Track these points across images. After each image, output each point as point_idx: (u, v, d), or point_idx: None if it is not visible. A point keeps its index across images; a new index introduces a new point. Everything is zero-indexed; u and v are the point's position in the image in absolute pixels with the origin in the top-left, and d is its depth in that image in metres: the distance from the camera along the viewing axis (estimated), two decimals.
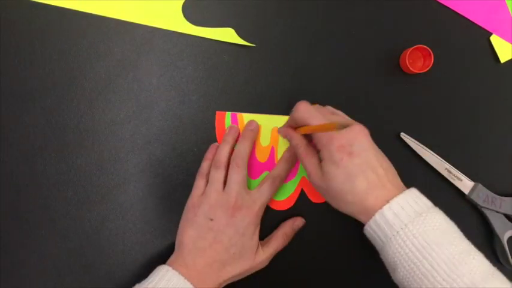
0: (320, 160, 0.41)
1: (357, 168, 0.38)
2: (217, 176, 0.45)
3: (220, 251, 0.42)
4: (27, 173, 0.47)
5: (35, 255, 0.47)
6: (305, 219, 0.49)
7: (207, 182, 0.46)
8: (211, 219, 0.43)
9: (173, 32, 0.49)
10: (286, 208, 0.49)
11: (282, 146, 0.49)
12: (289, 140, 0.45)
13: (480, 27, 0.51)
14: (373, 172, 0.39)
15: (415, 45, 0.48)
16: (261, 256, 0.44)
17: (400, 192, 0.38)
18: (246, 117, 0.49)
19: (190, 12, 0.49)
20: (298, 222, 0.48)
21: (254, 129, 0.48)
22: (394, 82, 0.50)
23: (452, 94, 0.51)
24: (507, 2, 0.52)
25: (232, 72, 0.49)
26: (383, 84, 0.50)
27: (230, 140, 0.47)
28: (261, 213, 0.45)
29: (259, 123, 0.49)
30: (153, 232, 0.48)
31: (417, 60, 0.50)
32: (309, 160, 0.42)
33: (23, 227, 0.47)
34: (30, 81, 0.48)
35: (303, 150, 0.43)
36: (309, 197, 0.49)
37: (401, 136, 0.49)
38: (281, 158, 0.48)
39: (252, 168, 0.48)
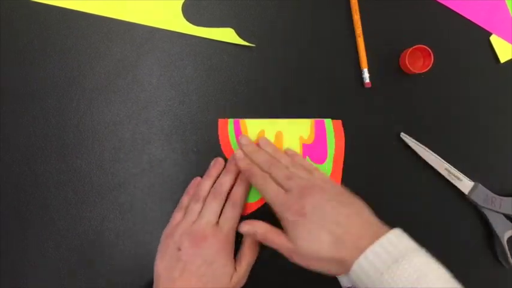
0: (284, 231, 0.41)
1: (315, 225, 0.38)
2: (196, 208, 0.45)
3: (192, 280, 0.41)
4: (27, 173, 0.47)
5: (35, 255, 0.47)
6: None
7: (184, 214, 0.46)
8: (180, 249, 0.42)
9: (173, 32, 0.49)
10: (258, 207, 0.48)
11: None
12: (254, 232, 0.43)
13: (480, 27, 0.51)
14: (335, 224, 0.38)
15: (415, 45, 0.48)
16: (236, 277, 0.43)
17: (376, 235, 0.36)
18: (248, 123, 0.49)
19: (190, 12, 0.49)
20: (247, 226, 0.44)
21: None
22: (394, 82, 0.50)
23: (452, 94, 0.51)
24: (507, 2, 0.52)
25: (232, 72, 0.49)
26: (383, 84, 0.50)
27: (214, 174, 0.47)
28: (230, 239, 0.44)
29: (262, 127, 0.49)
30: (153, 232, 0.48)
31: (417, 60, 0.50)
32: (276, 237, 0.41)
33: (23, 227, 0.47)
34: (30, 81, 0.48)
35: (270, 234, 0.42)
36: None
37: (401, 136, 0.49)
38: (238, 180, 0.47)
39: None
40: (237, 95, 0.49)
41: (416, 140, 0.49)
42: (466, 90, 0.51)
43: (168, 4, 0.49)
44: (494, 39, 0.51)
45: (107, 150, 0.48)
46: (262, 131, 0.49)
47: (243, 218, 0.47)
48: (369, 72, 0.50)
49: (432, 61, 0.48)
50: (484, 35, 0.51)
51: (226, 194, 0.46)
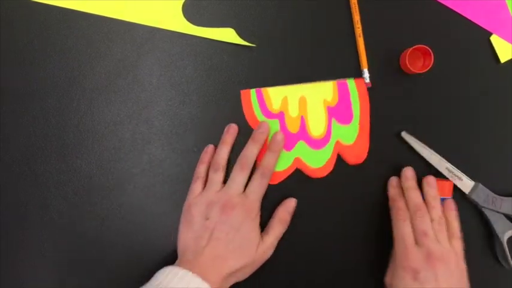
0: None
1: None
2: (217, 178, 0.45)
3: (219, 247, 0.42)
4: (27, 173, 0.47)
5: (35, 255, 0.47)
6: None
7: (203, 185, 0.46)
8: (207, 219, 0.43)
9: (173, 32, 0.49)
10: (324, 175, 0.49)
11: (311, 114, 0.49)
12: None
13: (480, 27, 0.51)
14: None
15: (415, 45, 0.48)
16: (262, 247, 0.44)
17: None
18: (271, 91, 0.49)
19: (190, 12, 0.49)
20: (291, 204, 0.48)
21: (265, 132, 0.47)
22: (394, 82, 0.50)
23: (452, 94, 0.51)
24: (507, 2, 0.52)
25: (232, 72, 0.49)
26: (383, 84, 0.50)
27: (229, 141, 0.47)
28: (256, 209, 0.45)
29: (285, 94, 0.49)
30: (153, 232, 0.48)
31: (417, 60, 0.50)
32: (391, 261, 0.44)
33: (23, 227, 0.47)
34: (30, 81, 0.48)
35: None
36: (346, 160, 0.49)
37: (402, 135, 0.49)
38: (268, 150, 0.47)
39: (286, 140, 0.48)
40: (237, 94, 0.49)
41: (417, 138, 0.49)
42: (466, 90, 0.51)
43: (168, 4, 0.49)
44: (494, 39, 0.51)
45: (107, 150, 0.48)
46: (285, 98, 0.49)
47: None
48: (369, 72, 0.50)
49: (432, 61, 0.48)
50: (484, 35, 0.51)
51: (253, 164, 0.46)
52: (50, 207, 0.47)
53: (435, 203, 0.45)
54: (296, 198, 0.48)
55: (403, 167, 0.48)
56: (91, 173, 0.48)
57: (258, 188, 0.45)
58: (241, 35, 0.49)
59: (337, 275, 0.49)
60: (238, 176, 0.45)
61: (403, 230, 0.43)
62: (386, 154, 0.50)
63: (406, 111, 0.50)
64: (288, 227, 0.47)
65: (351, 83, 0.49)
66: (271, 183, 0.48)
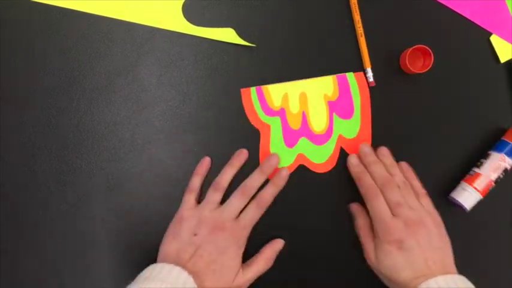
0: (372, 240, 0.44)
1: (404, 261, 0.40)
2: (215, 198, 0.45)
3: (200, 264, 0.42)
4: (27, 173, 0.47)
5: (35, 255, 0.47)
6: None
7: (197, 198, 0.46)
8: (195, 234, 0.43)
9: (173, 32, 0.49)
10: (328, 170, 0.49)
11: (312, 110, 0.49)
12: (355, 217, 0.48)
13: (480, 27, 0.51)
14: (423, 263, 0.40)
15: (415, 45, 0.48)
16: (240, 279, 0.44)
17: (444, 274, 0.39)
18: (271, 88, 0.49)
19: (190, 12, 0.49)
20: (278, 244, 0.48)
21: (273, 165, 0.47)
22: (394, 82, 0.50)
23: (452, 94, 0.51)
24: (507, 2, 0.52)
25: (232, 72, 0.49)
26: (383, 84, 0.50)
27: (237, 165, 0.47)
28: (244, 237, 0.45)
29: (285, 91, 0.49)
30: (153, 232, 0.48)
31: (417, 60, 0.50)
32: (367, 242, 0.45)
33: (23, 227, 0.47)
34: (30, 81, 0.48)
35: (365, 232, 0.45)
36: (349, 154, 0.49)
37: None
38: (271, 182, 0.47)
39: (288, 137, 0.49)
40: (237, 95, 0.49)
41: (416, 139, 0.49)
42: (466, 90, 0.51)
43: (168, 4, 0.49)
44: (494, 39, 0.51)
45: (107, 150, 0.48)
46: (286, 94, 0.49)
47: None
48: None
49: (432, 61, 0.48)
50: (484, 35, 0.51)
51: (254, 193, 0.46)
52: (50, 207, 0.47)
53: (395, 170, 0.46)
54: (301, 194, 0.49)
55: (404, 161, 0.49)
56: (91, 173, 0.48)
57: (251, 216, 0.45)
58: (241, 35, 0.49)
59: (341, 271, 0.49)
60: (237, 201, 0.45)
61: (379, 207, 0.43)
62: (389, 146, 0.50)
63: (406, 111, 0.50)
64: (291, 227, 0.48)
65: (350, 76, 0.49)
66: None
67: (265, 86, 0.49)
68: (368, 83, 0.50)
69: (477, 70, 0.51)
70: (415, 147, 0.50)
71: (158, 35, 0.49)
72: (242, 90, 0.49)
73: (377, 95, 0.50)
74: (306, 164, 0.49)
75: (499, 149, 0.48)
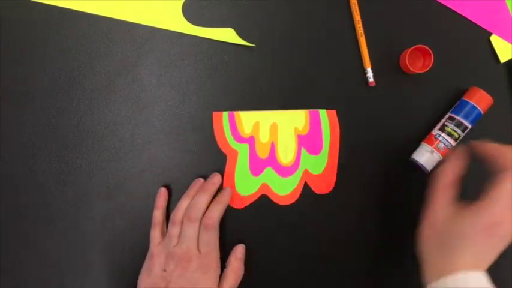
0: (451, 201, 0.39)
1: (477, 250, 0.36)
2: (174, 231, 0.45)
3: None
4: (27, 173, 0.47)
5: (35, 255, 0.47)
6: (310, 212, 0.49)
7: (162, 232, 0.46)
8: (165, 270, 0.43)
9: (173, 32, 0.49)
10: (291, 203, 0.49)
11: (281, 141, 0.49)
12: (449, 160, 0.41)
13: (480, 27, 0.51)
14: (485, 256, 0.36)
15: (415, 45, 0.48)
16: None
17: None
18: (243, 115, 0.49)
19: (190, 12, 0.49)
20: (239, 250, 0.47)
21: (216, 183, 0.47)
22: (394, 82, 0.50)
23: (452, 94, 0.51)
24: (507, 2, 0.52)
25: (232, 72, 0.49)
26: (383, 84, 0.50)
27: (193, 195, 0.46)
28: (213, 262, 0.44)
29: (257, 119, 0.49)
30: None
31: (417, 60, 0.50)
32: (443, 195, 0.40)
33: (23, 227, 0.47)
34: (30, 81, 0.48)
35: (447, 181, 0.40)
36: (312, 189, 0.49)
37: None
38: (213, 202, 0.46)
39: (254, 165, 0.49)
40: (237, 95, 0.49)
41: (416, 139, 0.49)
42: (466, 90, 0.51)
43: (168, 4, 0.49)
44: (494, 39, 0.51)
45: (107, 150, 0.48)
46: (257, 123, 0.49)
47: (237, 211, 0.48)
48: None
49: (432, 61, 0.48)
50: (484, 35, 0.51)
51: (200, 216, 0.45)
52: (50, 207, 0.47)
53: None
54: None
55: (403, 169, 0.49)
56: (91, 173, 0.48)
57: (206, 240, 0.44)
58: (241, 35, 0.49)
59: None
60: (189, 229, 0.44)
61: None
62: (386, 154, 0.50)
63: (406, 111, 0.50)
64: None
65: (323, 113, 0.50)
66: (237, 207, 0.48)
67: (237, 112, 0.49)
68: (368, 82, 0.50)
69: (477, 70, 0.51)
70: (415, 147, 0.50)
71: (158, 35, 0.49)
72: (214, 113, 0.49)
73: (377, 95, 0.50)
74: (268, 195, 0.49)
75: (458, 109, 0.48)
